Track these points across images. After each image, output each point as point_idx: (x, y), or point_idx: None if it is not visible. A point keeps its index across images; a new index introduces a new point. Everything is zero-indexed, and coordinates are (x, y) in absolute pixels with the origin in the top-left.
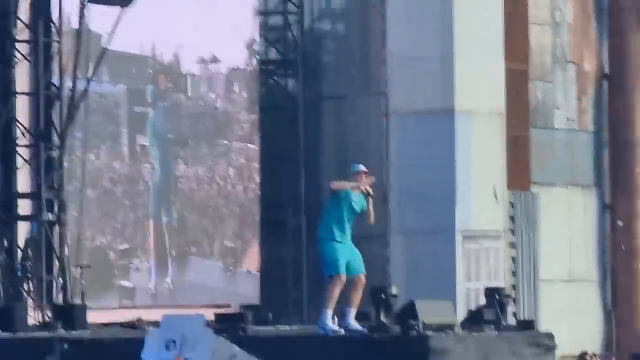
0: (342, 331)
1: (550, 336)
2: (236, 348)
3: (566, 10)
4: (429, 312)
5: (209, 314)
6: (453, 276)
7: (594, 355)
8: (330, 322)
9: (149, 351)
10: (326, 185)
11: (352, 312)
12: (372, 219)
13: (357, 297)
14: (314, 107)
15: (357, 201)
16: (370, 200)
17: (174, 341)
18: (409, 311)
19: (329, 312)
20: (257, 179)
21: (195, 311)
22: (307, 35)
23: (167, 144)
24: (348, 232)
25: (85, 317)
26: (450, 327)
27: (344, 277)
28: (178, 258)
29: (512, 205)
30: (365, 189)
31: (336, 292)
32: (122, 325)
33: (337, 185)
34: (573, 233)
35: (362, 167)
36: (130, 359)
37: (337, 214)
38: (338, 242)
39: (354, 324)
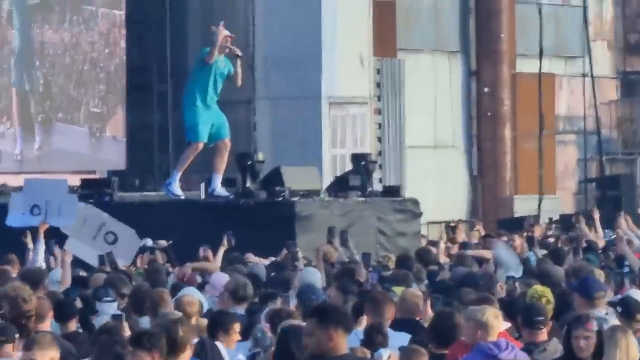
0: (183, 195)
1: (415, 202)
2: (105, 215)
3: None
4: (294, 178)
5: (75, 180)
6: (319, 142)
7: (460, 221)
8: (176, 185)
9: (12, 216)
10: (193, 53)
11: (218, 178)
12: (239, 81)
13: (221, 162)
14: None
15: (225, 65)
16: (239, 61)
17: (37, 206)
18: (275, 177)
19: (177, 175)
20: (123, 44)
21: (61, 177)
22: None
23: (32, 9)
24: (214, 96)
25: None
26: (316, 193)
27: (201, 144)
28: (43, 124)
29: (378, 71)
30: (232, 49)
31: (190, 157)
32: None
33: (210, 58)
34: (439, 99)
35: (226, 32)
36: None
37: (203, 79)
38: (201, 107)
39: (220, 190)
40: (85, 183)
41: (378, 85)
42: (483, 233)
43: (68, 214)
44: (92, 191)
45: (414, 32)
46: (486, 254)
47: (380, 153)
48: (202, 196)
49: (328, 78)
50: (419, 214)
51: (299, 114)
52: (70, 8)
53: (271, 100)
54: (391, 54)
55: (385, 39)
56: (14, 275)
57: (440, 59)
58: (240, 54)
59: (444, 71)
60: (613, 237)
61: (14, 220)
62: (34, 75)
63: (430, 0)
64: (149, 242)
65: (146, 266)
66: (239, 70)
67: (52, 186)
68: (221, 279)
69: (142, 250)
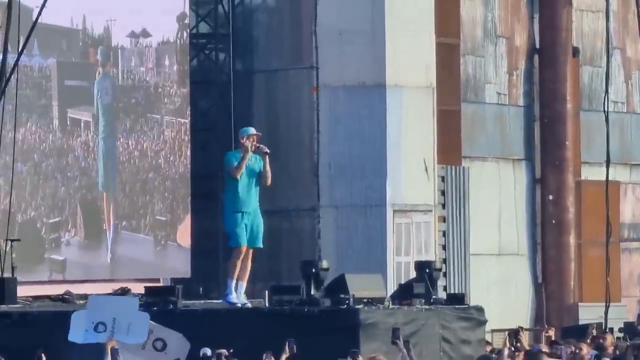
0: (239, 304)
1: (480, 310)
2: (152, 322)
3: None
4: (359, 285)
5: (140, 288)
6: (384, 250)
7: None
8: (232, 294)
9: (75, 332)
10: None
11: (241, 286)
12: (269, 180)
13: (244, 269)
14: (245, 80)
15: (255, 162)
16: (267, 159)
17: (103, 323)
18: (340, 285)
19: (231, 283)
20: (188, 152)
21: (126, 285)
22: (238, 8)
23: (98, 117)
24: (252, 198)
25: (15, 291)
26: (380, 300)
27: (243, 247)
28: (109, 231)
29: (442, 179)
30: (260, 147)
31: (237, 262)
32: (51, 298)
33: (236, 173)
34: (503, 207)
35: (252, 130)
36: (60, 332)
37: (235, 184)
38: (239, 212)
39: (232, 297)
40: (149, 291)
41: (442, 192)
42: (553, 338)
43: (138, 331)
44: (156, 299)
45: (479, 140)
46: None
47: (444, 261)
48: (267, 304)
49: (393, 185)
50: (484, 322)
51: (363, 222)
52: (136, 116)
53: (335, 208)
54: (456, 162)
55: (449, 147)
56: None
57: (504, 166)
58: (268, 151)
59: (508, 179)
60: None
61: (76, 336)
62: (101, 183)
63: (495, 107)
64: (208, 351)
65: None
66: (268, 168)
67: (121, 304)
68: None
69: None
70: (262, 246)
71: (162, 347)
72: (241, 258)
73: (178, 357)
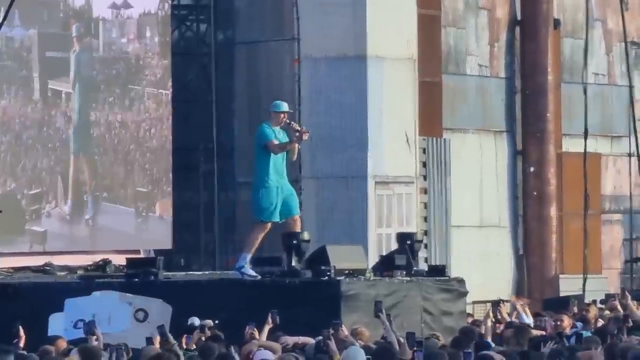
0: (259, 277)
1: (461, 282)
2: (128, 295)
3: None
4: (340, 257)
5: (121, 260)
6: (365, 222)
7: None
8: (248, 267)
9: (55, 332)
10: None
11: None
12: (295, 155)
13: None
14: (226, 52)
15: (280, 138)
16: (297, 136)
17: (82, 320)
18: (321, 256)
19: (248, 256)
20: (169, 124)
21: (107, 256)
22: None
23: (79, 88)
24: (283, 171)
25: None
26: (362, 272)
27: (270, 224)
28: (90, 203)
29: (424, 151)
30: (290, 123)
31: (259, 237)
32: (32, 269)
33: (278, 150)
34: (484, 179)
35: (285, 107)
36: (41, 303)
37: (268, 158)
38: (272, 186)
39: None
40: (130, 262)
41: (424, 164)
42: (524, 309)
43: (119, 320)
44: (137, 270)
45: (460, 112)
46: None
47: (425, 232)
48: None
49: (374, 157)
50: (465, 293)
51: (344, 193)
52: (116, 88)
53: (317, 179)
54: (437, 133)
55: (431, 118)
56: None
57: (486, 138)
58: (299, 128)
59: (489, 150)
60: None
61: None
62: (81, 155)
63: (477, 79)
64: (196, 321)
65: (194, 345)
66: (296, 145)
67: (99, 301)
68: (266, 357)
69: (190, 329)
70: (299, 213)
71: (143, 318)
72: (263, 234)
73: (161, 323)
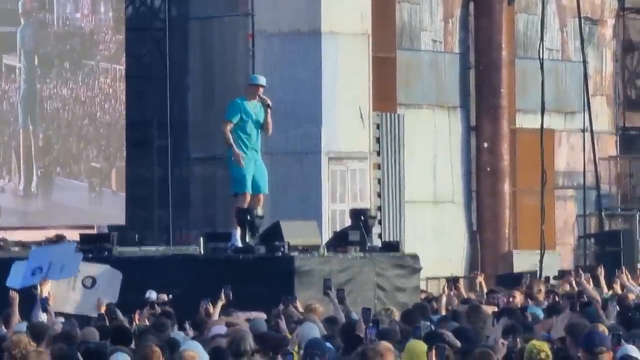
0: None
1: (415, 258)
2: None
3: None
4: (294, 233)
5: (74, 235)
6: (319, 197)
7: (458, 278)
8: (239, 241)
9: (13, 278)
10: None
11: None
12: (270, 130)
13: None
14: (180, 27)
15: (260, 112)
16: (269, 111)
17: (40, 268)
18: (275, 232)
19: (236, 232)
20: (123, 99)
21: (61, 232)
22: None
23: (33, 63)
24: (255, 145)
25: None
26: (315, 248)
27: (248, 195)
28: (43, 178)
29: (377, 126)
30: (263, 98)
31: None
32: None
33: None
34: (438, 154)
35: (262, 81)
36: None
37: (241, 131)
38: (247, 159)
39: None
40: (84, 238)
41: (378, 140)
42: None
43: (70, 268)
44: (91, 246)
45: (414, 87)
46: (490, 309)
47: (379, 208)
48: (201, 251)
49: (328, 132)
50: (419, 269)
51: (298, 169)
52: (70, 63)
53: (271, 155)
54: (391, 109)
55: (385, 94)
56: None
57: (440, 114)
58: (270, 103)
59: (443, 126)
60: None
61: (14, 282)
62: (34, 130)
63: (431, 55)
64: (153, 294)
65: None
66: (269, 119)
67: (58, 249)
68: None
69: (146, 303)
70: (267, 192)
71: (91, 284)
72: (244, 204)
73: (110, 288)
